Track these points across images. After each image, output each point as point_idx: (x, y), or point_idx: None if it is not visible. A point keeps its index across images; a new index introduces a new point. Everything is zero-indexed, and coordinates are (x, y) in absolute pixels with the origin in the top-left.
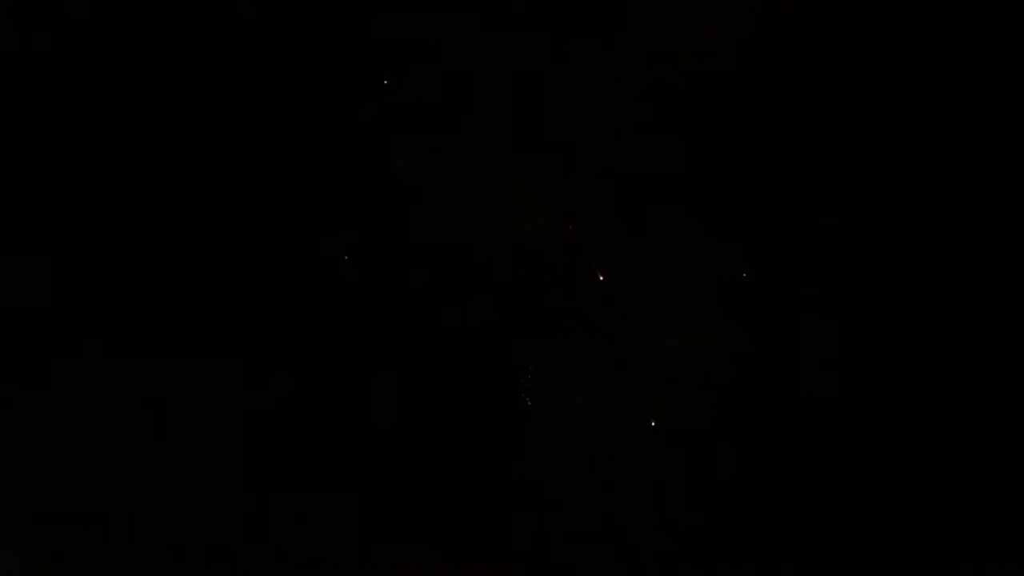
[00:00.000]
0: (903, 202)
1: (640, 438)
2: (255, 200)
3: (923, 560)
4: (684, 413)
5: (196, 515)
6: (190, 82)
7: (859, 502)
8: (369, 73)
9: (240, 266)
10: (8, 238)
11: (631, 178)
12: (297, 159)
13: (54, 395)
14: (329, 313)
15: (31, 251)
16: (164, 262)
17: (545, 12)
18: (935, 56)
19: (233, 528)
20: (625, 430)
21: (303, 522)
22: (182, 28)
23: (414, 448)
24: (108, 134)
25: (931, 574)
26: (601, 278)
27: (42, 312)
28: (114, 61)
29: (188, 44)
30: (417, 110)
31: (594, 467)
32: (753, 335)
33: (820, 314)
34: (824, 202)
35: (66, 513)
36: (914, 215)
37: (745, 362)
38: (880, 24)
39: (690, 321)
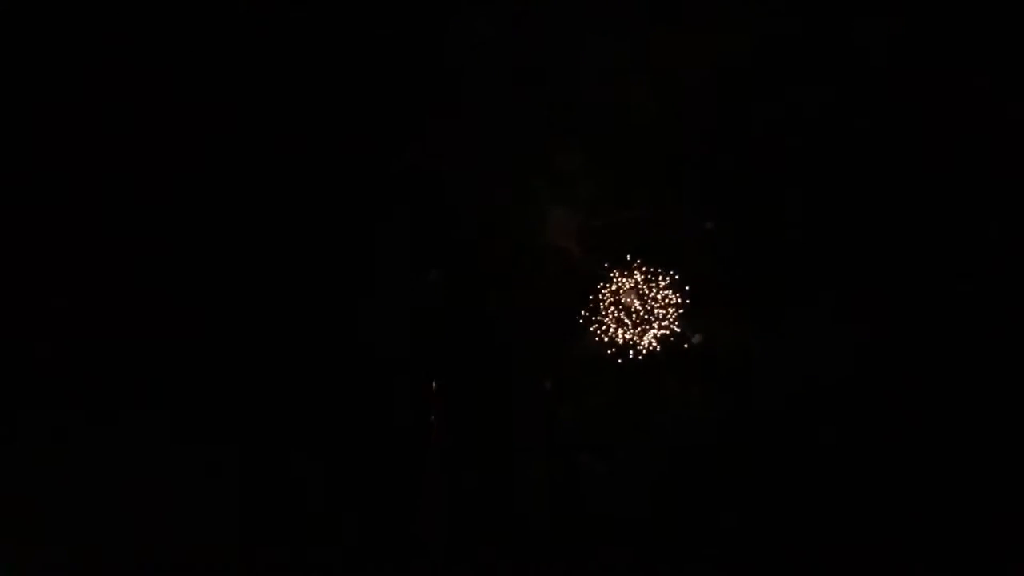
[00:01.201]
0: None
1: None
2: (262, 197)
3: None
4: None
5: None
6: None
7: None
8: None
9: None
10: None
11: (653, 173)
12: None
13: None
14: (348, 310)
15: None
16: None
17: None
18: None
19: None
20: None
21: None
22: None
23: (432, 445)
24: None
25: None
26: (622, 279)
27: None
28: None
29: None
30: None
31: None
32: (771, 334)
33: (841, 315)
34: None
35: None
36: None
37: (762, 362)
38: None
39: (711, 320)
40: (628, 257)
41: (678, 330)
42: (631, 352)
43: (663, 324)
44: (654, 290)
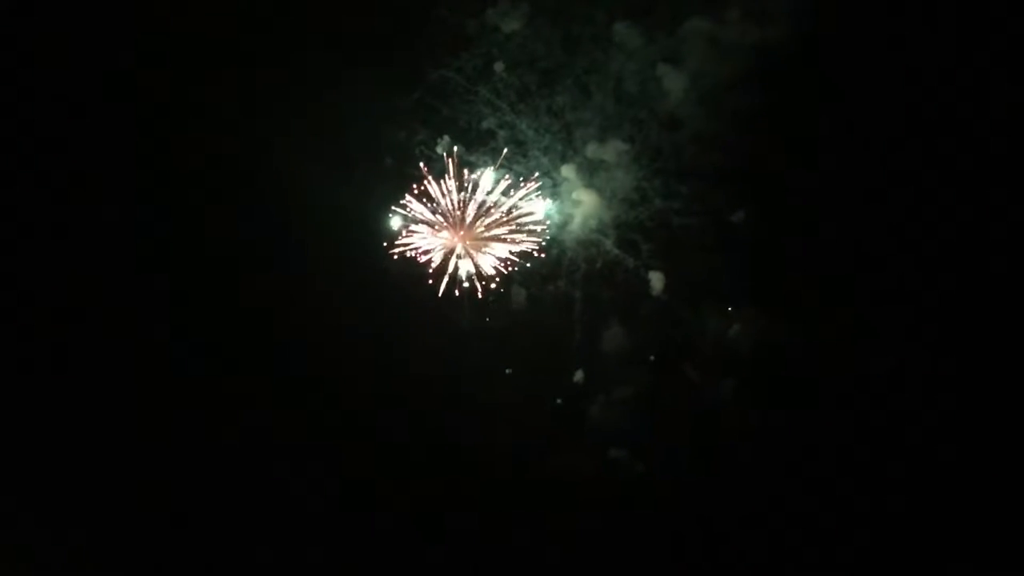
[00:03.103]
0: None
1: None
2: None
3: None
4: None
5: None
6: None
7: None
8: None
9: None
10: None
11: (681, 167)
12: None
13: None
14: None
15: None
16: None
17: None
18: None
19: None
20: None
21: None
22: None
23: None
24: None
25: None
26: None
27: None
28: None
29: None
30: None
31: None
32: (794, 326)
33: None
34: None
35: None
36: None
37: (788, 354)
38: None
39: (736, 311)
40: (661, 251)
41: (709, 323)
42: (662, 344)
43: (694, 317)
44: (685, 283)
